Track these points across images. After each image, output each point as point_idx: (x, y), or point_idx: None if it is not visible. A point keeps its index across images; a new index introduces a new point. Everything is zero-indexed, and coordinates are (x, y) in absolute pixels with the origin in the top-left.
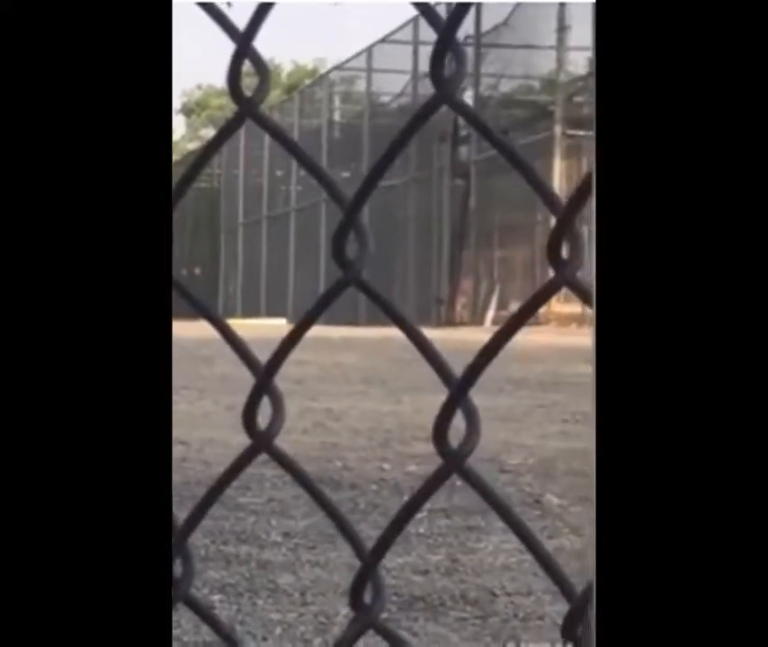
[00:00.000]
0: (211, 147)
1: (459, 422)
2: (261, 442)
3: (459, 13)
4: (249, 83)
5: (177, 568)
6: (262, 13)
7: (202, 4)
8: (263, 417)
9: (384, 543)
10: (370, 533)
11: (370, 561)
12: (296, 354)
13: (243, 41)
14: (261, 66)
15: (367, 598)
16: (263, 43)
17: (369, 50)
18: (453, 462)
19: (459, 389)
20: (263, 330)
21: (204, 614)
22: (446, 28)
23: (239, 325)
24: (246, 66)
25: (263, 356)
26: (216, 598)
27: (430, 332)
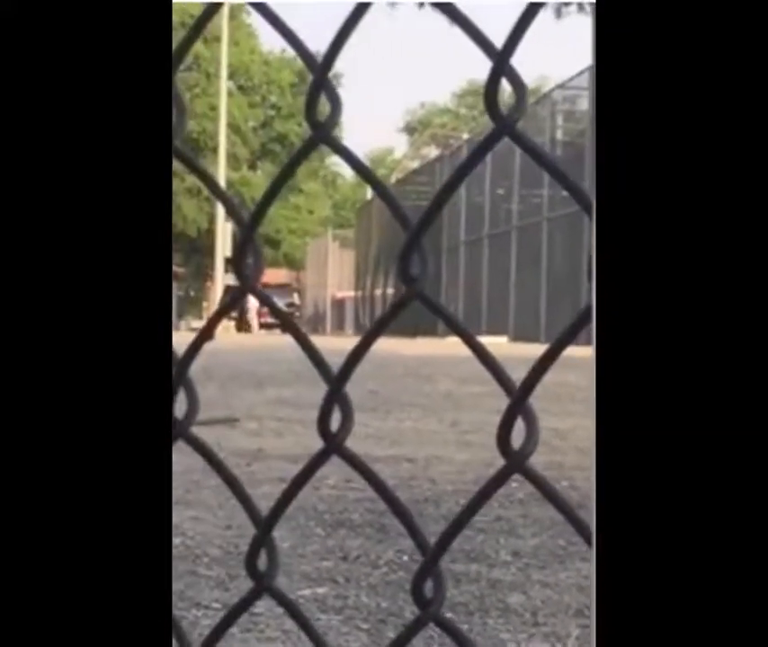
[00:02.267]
0: (469, 164)
1: None
2: (514, 462)
3: None
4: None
5: (428, 589)
6: (521, 29)
7: (444, 7)
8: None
9: None
10: None
11: None
12: (518, 373)
13: (501, 58)
14: (518, 85)
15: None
16: (486, 63)
17: (592, 68)
18: None
19: None
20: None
21: (455, 633)
22: None
23: (461, 344)
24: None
25: (486, 374)
26: (447, 616)
27: None
